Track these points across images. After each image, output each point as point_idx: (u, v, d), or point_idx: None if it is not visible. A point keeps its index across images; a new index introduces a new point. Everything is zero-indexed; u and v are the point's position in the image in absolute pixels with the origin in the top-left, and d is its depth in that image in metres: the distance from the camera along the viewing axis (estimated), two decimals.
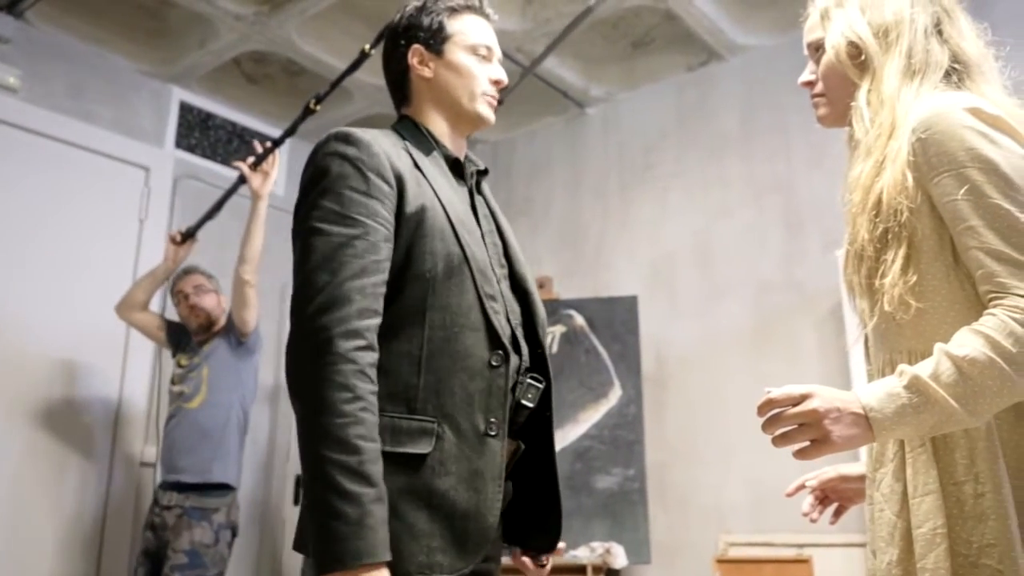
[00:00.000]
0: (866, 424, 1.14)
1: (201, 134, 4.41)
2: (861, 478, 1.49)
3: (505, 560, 1.58)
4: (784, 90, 3.90)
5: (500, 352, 1.42)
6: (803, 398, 1.15)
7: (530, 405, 1.48)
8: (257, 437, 4.20)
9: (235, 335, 3.43)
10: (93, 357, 3.79)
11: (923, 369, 1.14)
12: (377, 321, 1.33)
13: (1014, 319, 1.12)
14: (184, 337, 3.59)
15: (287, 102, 4.39)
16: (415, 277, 1.39)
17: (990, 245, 1.16)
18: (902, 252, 1.23)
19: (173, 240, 3.54)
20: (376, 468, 1.25)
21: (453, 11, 1.63)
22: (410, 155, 1.50)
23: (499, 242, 1.59)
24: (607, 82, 4.41)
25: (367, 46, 2.97)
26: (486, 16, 1.67)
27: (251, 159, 3.32)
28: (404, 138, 1.55)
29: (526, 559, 1.61)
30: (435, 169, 1.52)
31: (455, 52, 1.60)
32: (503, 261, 1.57)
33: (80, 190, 3.86)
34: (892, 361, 1.28)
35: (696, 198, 4.14)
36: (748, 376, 3.70)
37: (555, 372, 1.60)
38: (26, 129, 3.74)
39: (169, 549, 3.18)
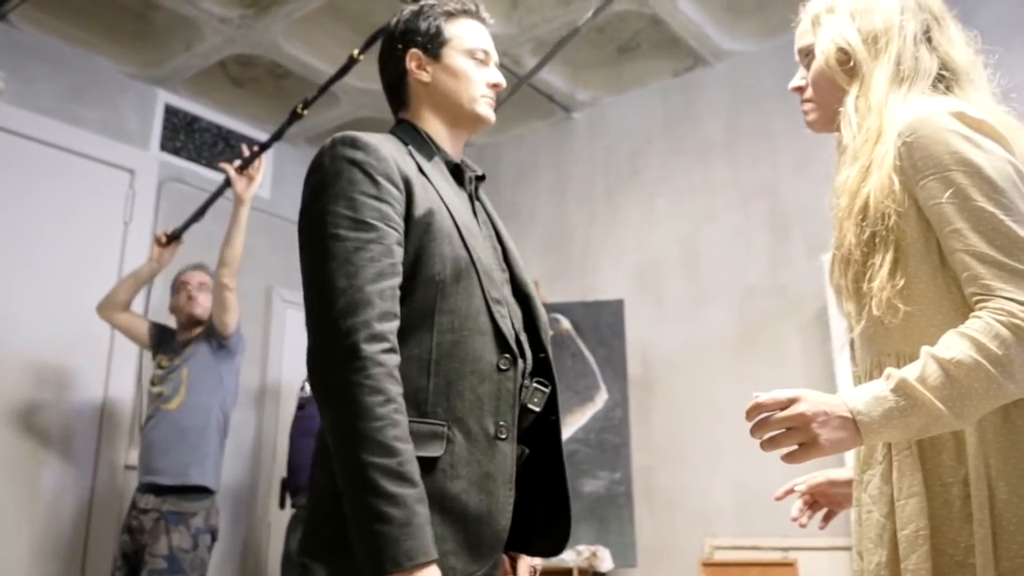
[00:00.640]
0: (854, 428, 1.14)
1: (186, 137, 4.39)
2: (849, 482, 1.50)
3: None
4: (770, 96, 3.93)
5: (508, 356, 1.42)
6: (791, 402, 1.15)
7: (536, 409, 1.48)
8: (242, 440, 4.19)
9: (216, 338, 3.42)
10: (77, 359, 3.77)
11: (910, 372, 1.15)
12: (396, 324, 1.34)
13: (999, 321, 1.13)
14: (166, 338, 3.58)
15: (273, 105, 4.38)
16: (425, 281, 1.39)
17: (975, 247, 1.17)
18: (889, 256, 1.24)
19: (158, 241, 3.53)
20: (414, 468, 1.25)
21: (450, 15, 1.63)
22: (414, 159, 1.50)
23: (499, 246, 1.59)
24: (593, 87, 4.42)
25: (356, 51, 2.96)
26: (483, 20, 1.67)
27: (237, 162, 3.31)
28: (406, 143, 1.55)
29: (523, 561, 1.60)
30: (438, 173, 1.53)
31: (453, 56, 1.60)
32: (504, 265, 1.57)
33: (65, 193, 3.84)
34: (880, 363, 1.29)
35: (682, 203, 4.15)
36: (733, 380, 3.72)
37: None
38: (10, 132, 3.71)
39: (147, 554, 3.15)
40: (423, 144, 1.57)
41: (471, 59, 1.61)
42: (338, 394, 1.27)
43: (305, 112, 3.13)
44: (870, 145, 1.29)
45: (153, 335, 3.61)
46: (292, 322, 4.55)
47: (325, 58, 3.96)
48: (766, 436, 1.16)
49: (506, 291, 1.53)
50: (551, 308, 4.04)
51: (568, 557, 3.53)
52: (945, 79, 1.35)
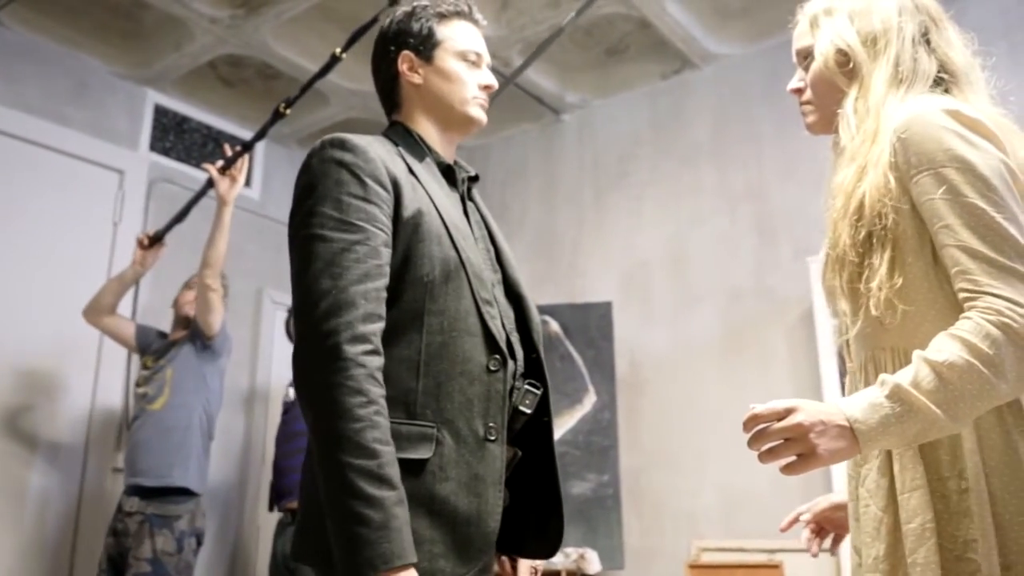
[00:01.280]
0: (851, 436, 1.14)
1: (176, 137, 4.39)
2: None
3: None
4: (757, 99, 3.95)
5: (498, 357, 1.42)
6: (787, 412, 1.15)
7: (528, 411, 1.48)
8: (231, 442, 4.18)
9: (200, 338, 3.42)
10: (66, 361, 3.75)
11: (903, 377, 1.15)
12: (381, 325, 1.34)
13: (989, 321, 1.13)
14: (152, 340, 3.58)
15: (263, 106, 4.37)
16: (413, 282, 1.39)
17: (966, 243, 1.18)
18: (887, 255, 1.25)
19: (141, 244, 3.51)
20: (395, 471, 1.25)
21: (443, 17, 1.63)
22: (404, 160, 1.50)
23: (492, 247, 1.59)
24: (582, 89, 4.44)
25: (338, 49, 2.97)
26: (475, 22, 1.67)
27: (220, 162, 3.30)
28: (397, 144, 1.55)
29: (523, 563, 1.60)
30: (429, 175, 1.53)
31: (445, 58, 1.61)
32: (496, 267, 1.57)
33: (53, 193, 3.83)
34: (875, 358, 1.30)
35: (670, 205, 4.17)
36: (720, 381, 3.74)
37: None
38: None
39: (131, 557, 3.14)
40: (414, 146, 1.57)
41: (463, 61, 1.61)
42: (319, 395, 1.27)
43: (288, 111, 3.12)
44: (867, 146, 1.30)
45: (140, 337, 3.60)
46: (282, 324, 4.55)
47: (315, 59, 3.95)
48: (764, 448, 1.16)
49: (498, 292, 1.53)
50: (540, 310, 4.04)
51: (556, 559, 3.53)
52: (944, 81, 1.35)
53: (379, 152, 1.45)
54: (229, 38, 3.88)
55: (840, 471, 2.78)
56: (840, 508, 1.56)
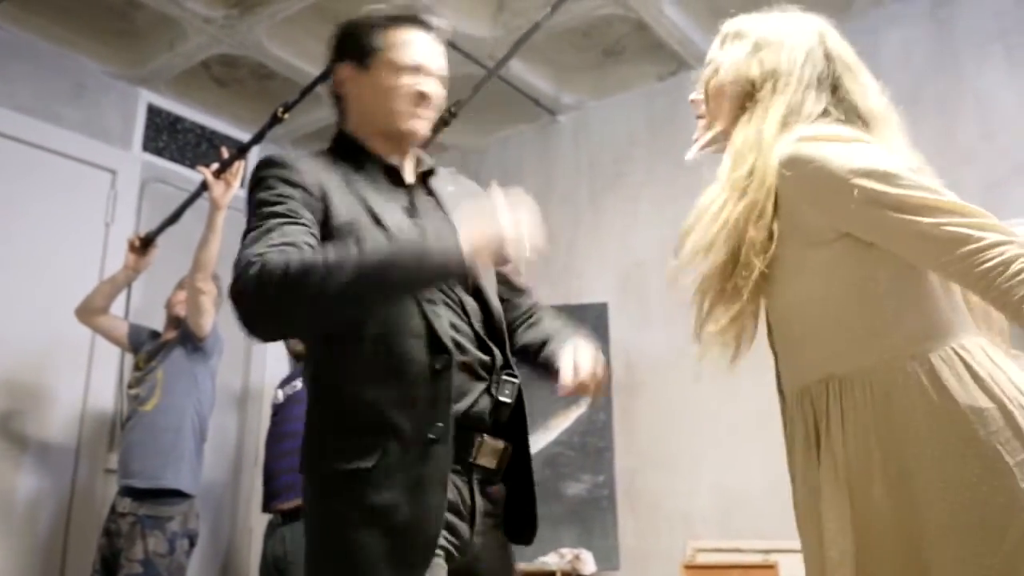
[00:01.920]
0: None
1: (169, 137, 4.37)
2: None
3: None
4: None
5: (445, 356, 1.41)
6: None
7: (508, 400, 1.48)
8: (224, 443, 4.16)
9: (191, 340, 3.41)
10: (58, 362, 3.73)
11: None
12: (295, 248, 1.36)
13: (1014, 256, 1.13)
14: (145, 339, 3.57)
15: (257, 106, 4.36)
16: None
17: (917, 228, 1.18)
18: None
19: (132, 246, 3.49)
20: (353, 252, 1.32)
21: (389, 24, 1.59)
22: (340, 172, 1.51)
23: (450, 238, 1.56)
24: (578, 90, 4.43)
25: None
26: (426, 27, 1.62)
27: (215, 165, 3.27)
28: (336, 155, 1.55)
29: None
30: (366, 181, 1.52)
31: (380, 69, 1.57)
32: None
33: (45, 193, 3.81)
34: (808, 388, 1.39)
35: (666, 207, 4.16)
36: (716, 383, 3.72)
37: (524, 379, 1.60)
38: None
39: (123, 558, 3.13)
40: (357, 152, 1.56)
41: (399, 71, 1.56)
42: (263, 298, 1.30)
43: (286, 116, 3.11)
44: (755, 183, 1.32)
45: (132, 336, 3.59)
46: None
47: (309, 59, 3.94)
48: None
49: (457, 288, 1.51)
50: None
51: (551, 560, 3.53)
52: (857, 124, 1.36)
53: (310, 166, 1.48)
54: (223, 38, 3.86)
55: None
56: None
